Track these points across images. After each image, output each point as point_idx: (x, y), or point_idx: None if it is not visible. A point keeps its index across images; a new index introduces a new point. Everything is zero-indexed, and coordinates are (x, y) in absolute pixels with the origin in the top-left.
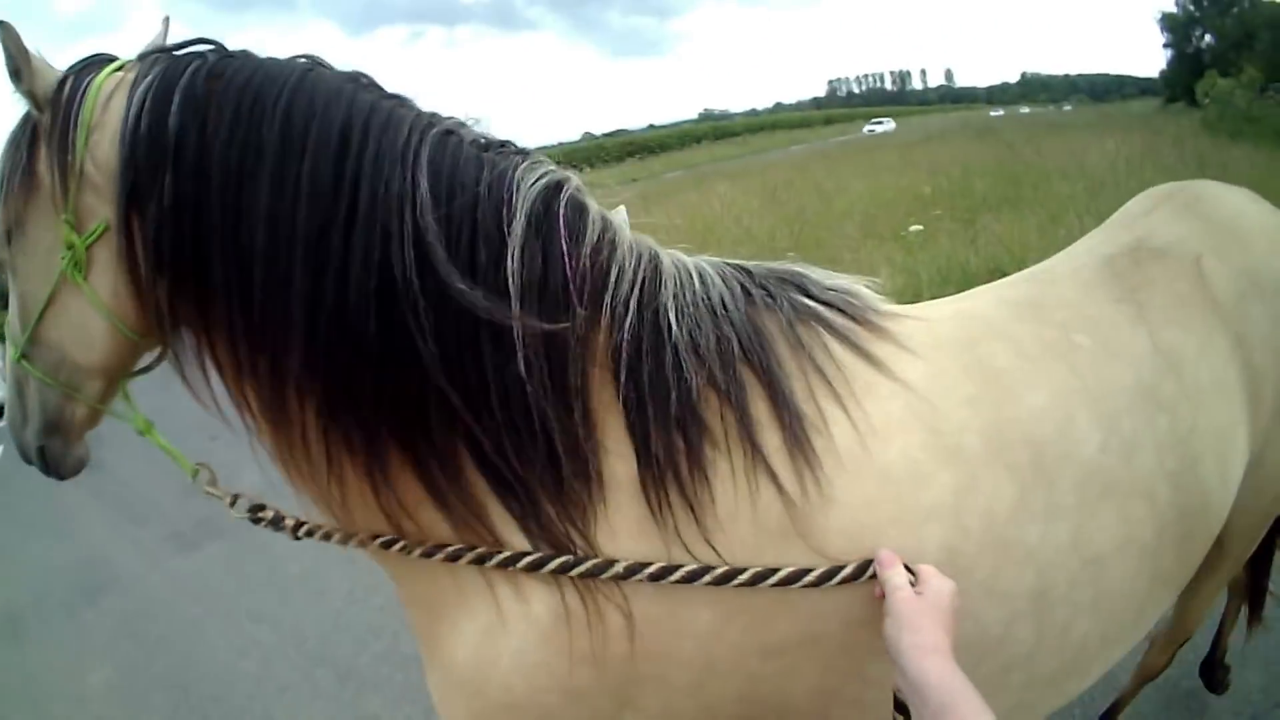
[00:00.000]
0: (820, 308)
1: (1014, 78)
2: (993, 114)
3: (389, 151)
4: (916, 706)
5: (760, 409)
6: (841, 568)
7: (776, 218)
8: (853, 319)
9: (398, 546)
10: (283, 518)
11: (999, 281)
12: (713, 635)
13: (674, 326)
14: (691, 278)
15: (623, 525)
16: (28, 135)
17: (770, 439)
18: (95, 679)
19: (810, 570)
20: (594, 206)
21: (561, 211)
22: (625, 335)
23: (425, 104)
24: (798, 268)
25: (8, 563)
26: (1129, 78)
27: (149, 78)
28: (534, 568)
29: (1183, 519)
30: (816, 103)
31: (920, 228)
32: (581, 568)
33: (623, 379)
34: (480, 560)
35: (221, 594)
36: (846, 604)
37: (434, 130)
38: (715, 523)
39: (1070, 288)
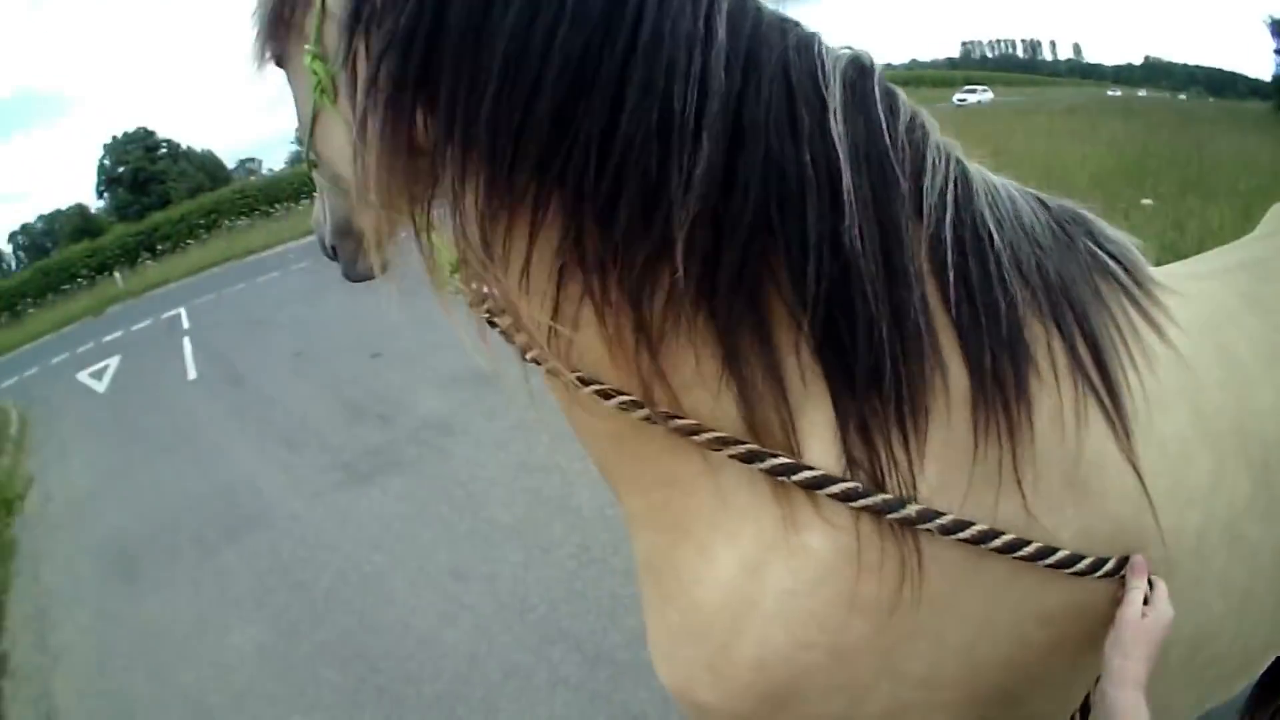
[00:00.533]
0: (1109, 261)
1: (1138, 60)
2: (1110, 94)
3: None
4: None
5: (1081, 348)
6: (1106, 560)
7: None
8: (1134, 279)
9: (694, 431)
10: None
11: (1200, 259)
12: (1000, 590)
13: (994, 236)
14: (999, 193)
15: (934, 449)
16: None
17: (1095, 383)
18: (238, 639)
19: (1084, 558)
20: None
21: (876, 84)
22: (947, 230)
23: None
24: (1083, 210)
25: (126, 486)
26: (1241, 76)
27: None
28: (848, 498)
29: None
30: (951, 63)
31: (1150, 202)
32: (903, 512)
33: (951, 278)
34: (783, 472)
35: (408, 542)
36: (1113, 581)
37: None
38: (1028, 463)
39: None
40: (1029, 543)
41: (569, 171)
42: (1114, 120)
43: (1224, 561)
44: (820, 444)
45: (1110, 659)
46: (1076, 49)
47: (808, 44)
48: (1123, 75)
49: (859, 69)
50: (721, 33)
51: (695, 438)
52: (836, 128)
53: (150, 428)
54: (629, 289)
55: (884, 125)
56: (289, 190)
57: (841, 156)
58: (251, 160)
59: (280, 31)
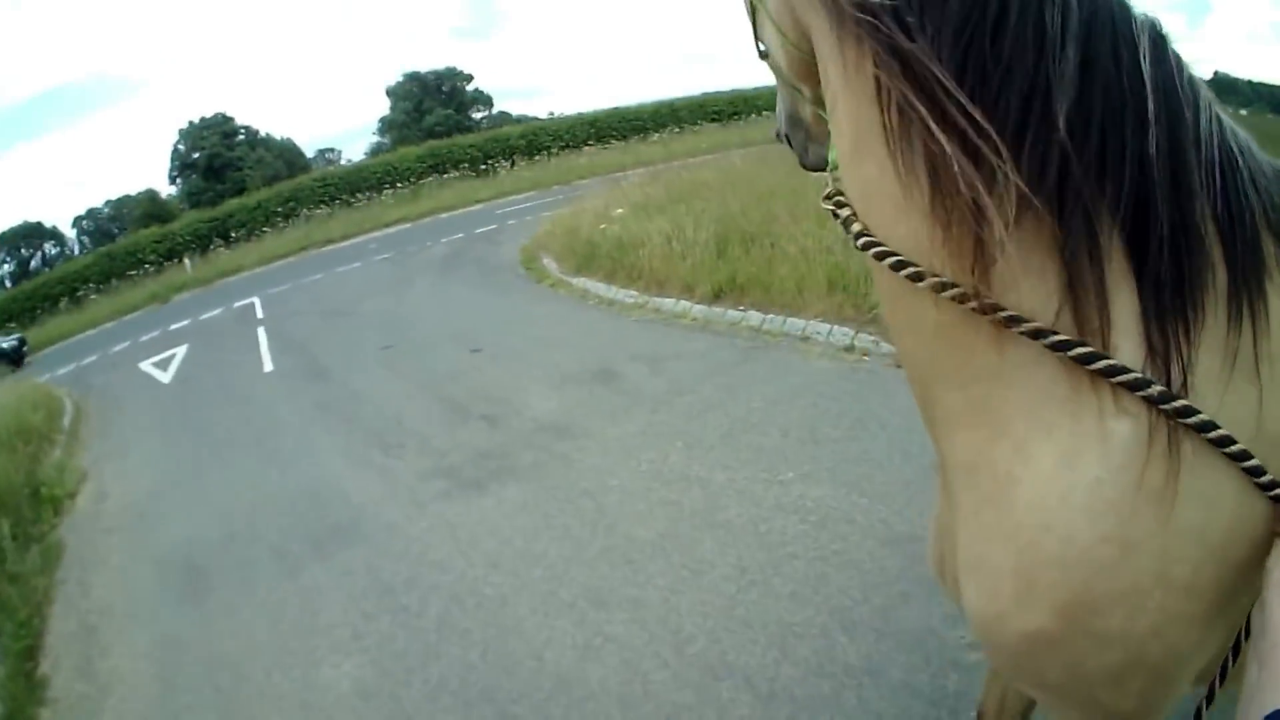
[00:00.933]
0: None
1: (1206, 76)
2: None
3: None
4: (1256, 636)
5: None
6: None
7: None
8: None
9: (1020, 321)
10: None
11: None
12: (1248, 485)
13: (1240, 162)
14: (1239, 133)
15: (1205, 340)
16: None
17: None
18: (331, 675)
19: None
20: None
21: (1169, 41)
22: (1216, 154)
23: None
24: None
25: (194, 487)
26: None
27: None
28: (1144, 385)
29: None
30: None
31: None
32: (1187, 403)
33: (1218, 189)
34: (1097, 360)
35: (533, 561)
36: None
37: None
38: (1263, 359)
39: None
40: (1253, 459)
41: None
42: None
43: None
44: (1126, 336)
45: (1273, 571)
46: None
47: (1125, 2)
48: None
49: (1157, 29)
50: None
51: (1021, 327)
52: (1145, 66)
53: (221, 422)
54: (981, 183)
55: (1174, 71)
56: (371, 180)
57: (1148, 89)
58: (331, 150)
59: None
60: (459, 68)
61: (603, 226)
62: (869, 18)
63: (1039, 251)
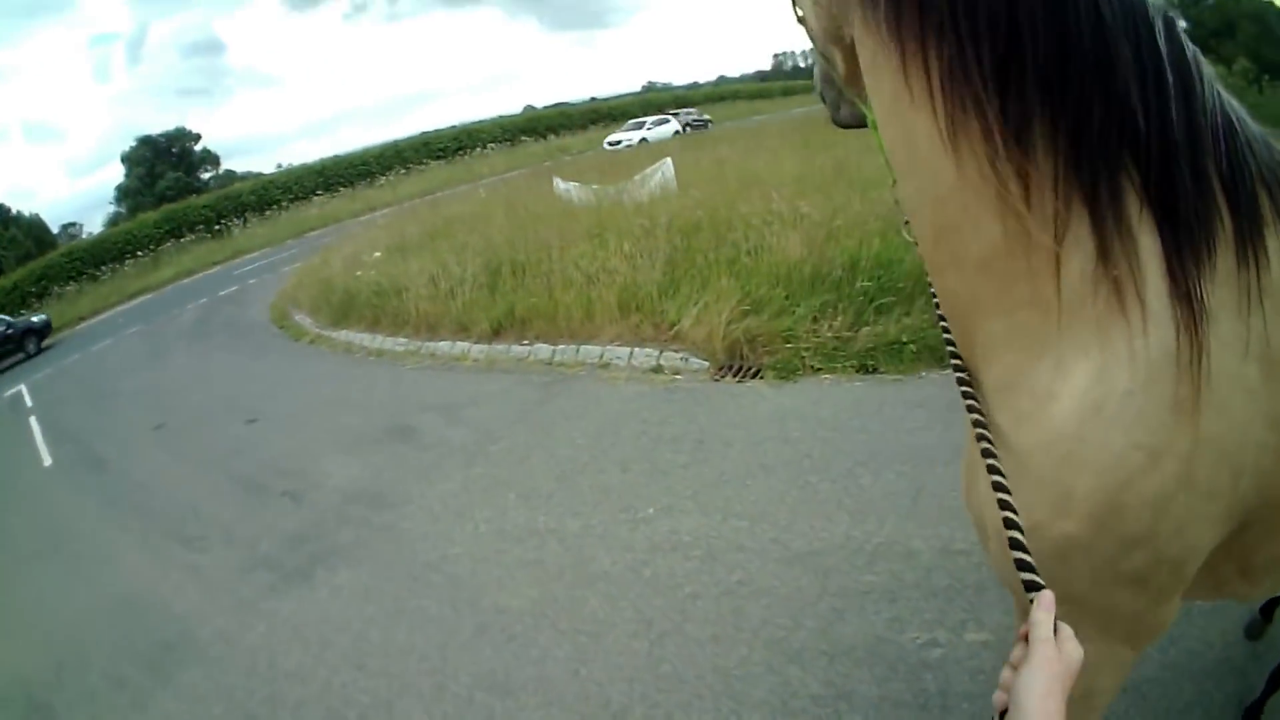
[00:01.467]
0: None
1: None
2: None
3: None
4: None
5: None
6: None
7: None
8: None
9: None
10: None
11: None
12: (1253, 395)
13: (1239, 128)
14: (1236, 105)
15: (1217, 274)
16: None
17: None
18: None
19: None
20: None
21: (1178, 26)
22: (1219, 119)
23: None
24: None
25: (10, 613)
26: None
27: None
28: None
29: None
30: (761, 76)
31: None
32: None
33: (1224, 149)
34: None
35: (401, 655)
36: None
37: None
38: (1266, 289)
39: None
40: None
41: (1008, 42)
42: None
43: None
44: (1151, 270)
45: (1030, 692)
46: None
47: None
48: None
49: (1168, 17)
50: None
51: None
52: (1162, 45)
53: (11, 530)
54: (1025, 142)
55: (1183, 50)
56: (114, 250)
57: (1166, 64)
58: (73, 225)
59: None
60: (188, 128)
61: (359, 273)
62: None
63: (1082, 200)
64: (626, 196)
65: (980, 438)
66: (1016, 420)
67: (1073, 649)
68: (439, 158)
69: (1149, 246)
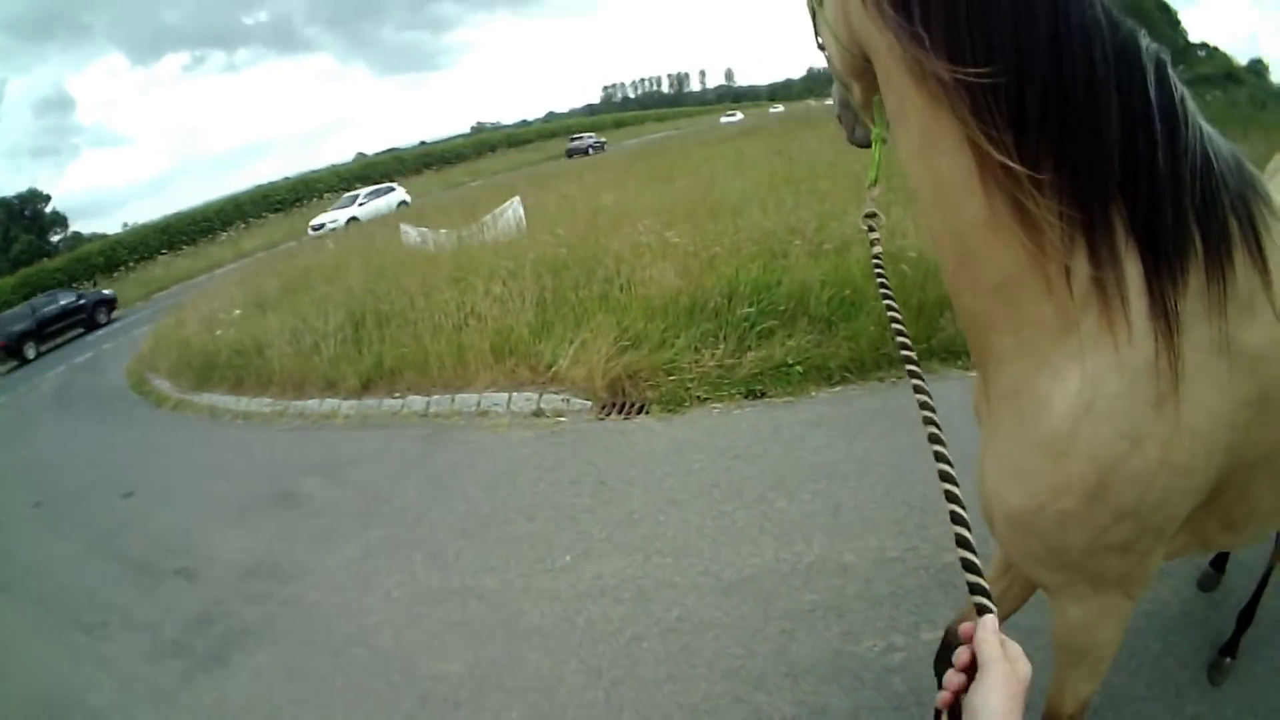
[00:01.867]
0: (1255, 181)
1: (799, 74)
2: (772, 110)
3: None
4: None
5: (1249, 232)
6: None
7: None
8: (1264, 194)
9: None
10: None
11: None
12: (1223, 384)
13: (1215, 163)
14: (1216, 139)
15: (1189, 289)
16: None
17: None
18: None
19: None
20: None
21: (1168, 69)
22: (1199, 159)
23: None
24: (1239, 151)
25: None
26: None
27: None
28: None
29: None
30: (590, 109)
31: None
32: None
33: (1198, 182)
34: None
35: None
36: None
37: None
38: (1230, 296)
39: None
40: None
41: (1019, 88)
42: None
43: None
44: (1136, 291)
45: (986, 707)
46: (729, 74)
47: (1134, 34)
48: (779, 92)
49: (1159, 59)
50: (1104, 21)
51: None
52: (1152, 91)
53: None
54: (1038, 183)
55: (1172, 93)
56: None
57: (1154, 108)
58: None
59: None
60: (39, 189)
61: (218, 333)
62: (909, 38)
63: (1079, 234)
64: (477, 238)
65: (939, 457)
66: (1020, 420)
67: (1024, 666)
68: (277, 210)
69: (1133, 271)
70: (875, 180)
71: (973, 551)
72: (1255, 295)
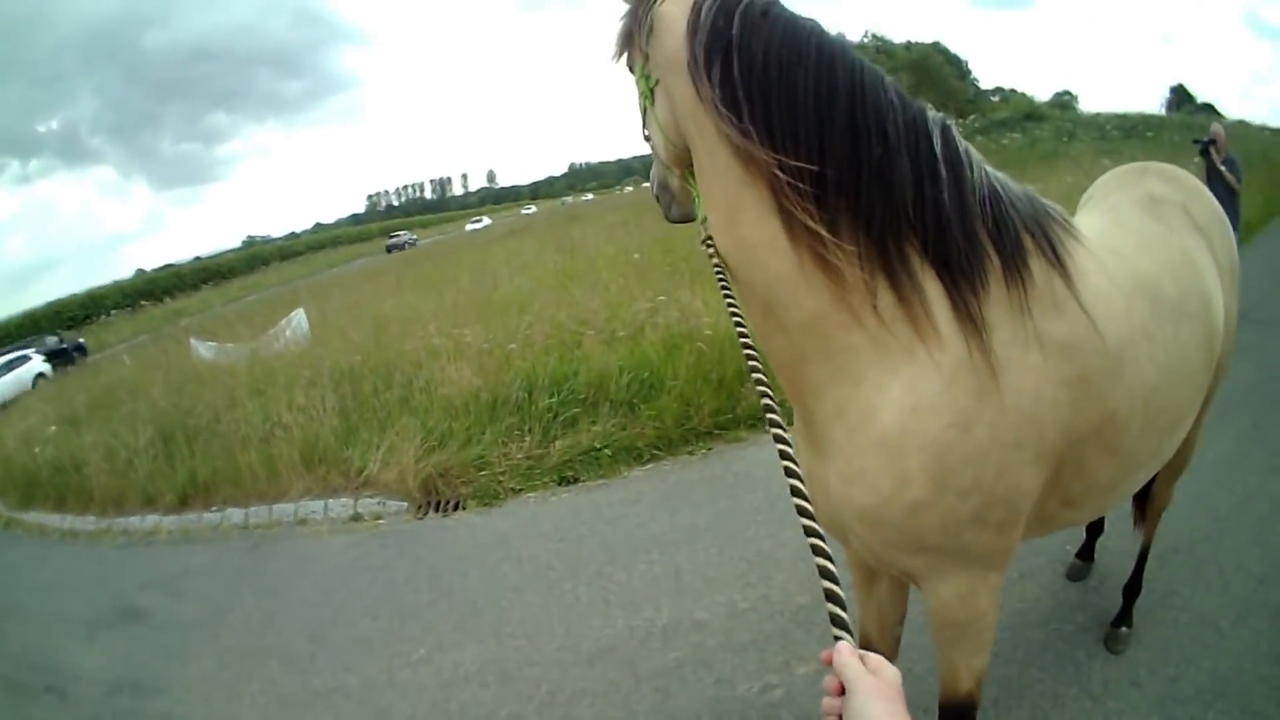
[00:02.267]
0: (1050, 208)
1: (561, 170)
2: (524, 210)
3: (875, 77)
4: None
5: (1045, 245)
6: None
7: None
8: (1064, 218)
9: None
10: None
11: (1082, 210)
12: (1038, 370)
13: (1003, 194)
14: (1002, 177)
15: (991, 298)
16: (634, 17)
17: (1053, 261)
18: None
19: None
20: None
21: (953, 130)
22: (986, 192)
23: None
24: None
25: None
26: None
27: (709, 3)
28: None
29: (1208, 341)
30: (356, 218)
31: None
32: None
33: (988, 212)
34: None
35: None
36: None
37: (877, 71)
38: (1033, 300)
39: (1130, 215)
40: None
41: (818, 167)
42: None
43: (1145, 353)
44: (939, 306)
45: (868, 709)
46: (491, 175)
47: (923, 109)
48: (541, 190)
49: (944, 123)
50: (897, 103)
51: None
52: (937, 148)
53: None
54: (838, 237)
55: (956, 146)
56: None
57: (940, 161)
58: None
59: (627, 47)
60: None
61: (37, 449)
62: (739, 133)
63: (880, 268)
64: (268, 350)
65: (795, 491)
66: (848, 434)
67: (888, 671)
68: (69, 327)
69: (934, 289)
70: (704, 219)
71: (835, 582)
72: (1059, 295)
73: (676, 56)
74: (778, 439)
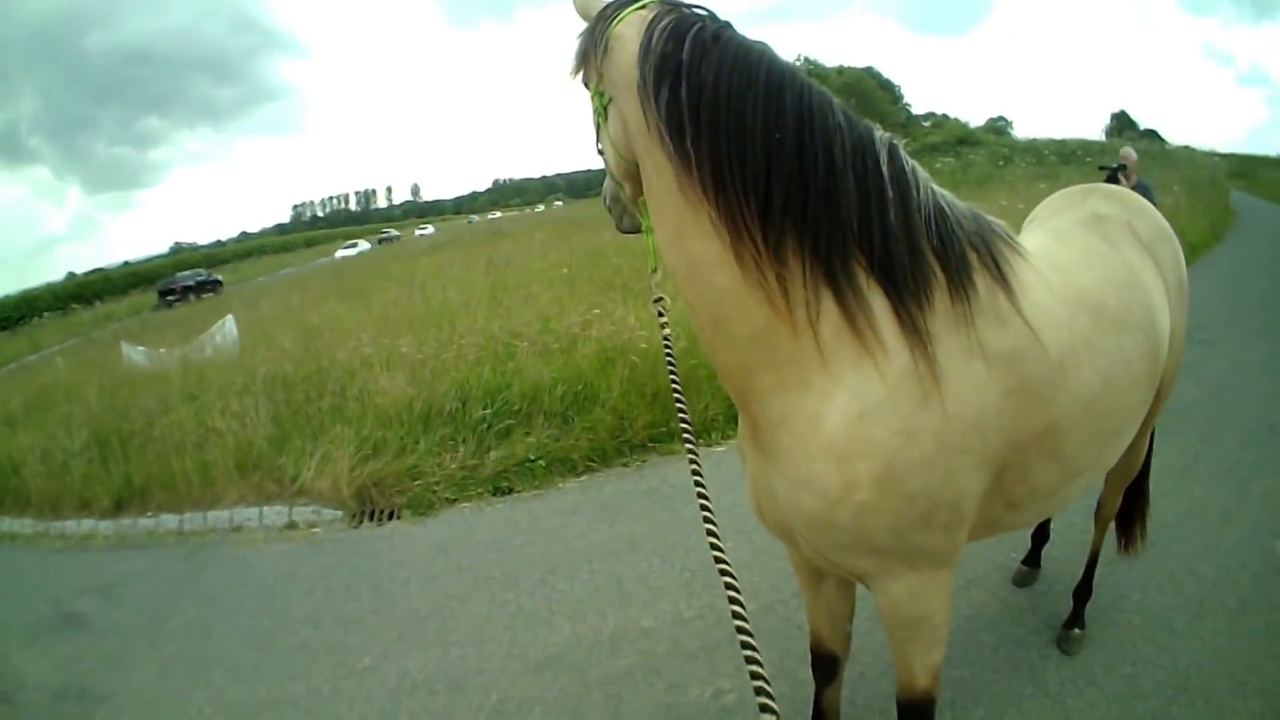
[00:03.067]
0: (994, 225)
1: (485, 185)
2: (419, 232)
3: (823, 100)
4: None
5: (989, 261)
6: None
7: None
8: (1008, 234)
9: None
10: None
11: (1026, 230)
12: (981, 379)
13: (949, 212)
14: (947, 196)
15: (935, 311)
16: (590, 36)
17: (997, 275)
18: None
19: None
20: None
21: (899, 150)
22: (931, 211)
23: None
24: (974, 210)
25: None
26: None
27: (664, 22)
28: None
29: (1152, 353)
30: (281, 229)
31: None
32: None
33: (934, 231)
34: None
35: None
36: (1040, 366)
37: (825, 94)
38: (977, 312)
39: (1074, 233)
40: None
41: (764, 188)
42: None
43: (1086, 363)
44: (885, 319)
45: None
46: (415, 189)
47: (870, 130)
48: (465, 205)
49: (891, 143)
50: (845, 125)
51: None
52: (884, 168)
53: None
54: (780, 255)
55: (903, 167)
56: None
57: (886, 181)
58: None
59: (584, 65)
60: None
61: None
62: (680, 156)
63: (825, 285)
64: (198, 356)
65: (704, 508)
66: (795, 440)
67: None
68: (3, 329)
69: (880, 303)
70: (655, 268)
71: (747, 625)
72: (1002, 308)
73: (629, 76)
74: (694, 471)
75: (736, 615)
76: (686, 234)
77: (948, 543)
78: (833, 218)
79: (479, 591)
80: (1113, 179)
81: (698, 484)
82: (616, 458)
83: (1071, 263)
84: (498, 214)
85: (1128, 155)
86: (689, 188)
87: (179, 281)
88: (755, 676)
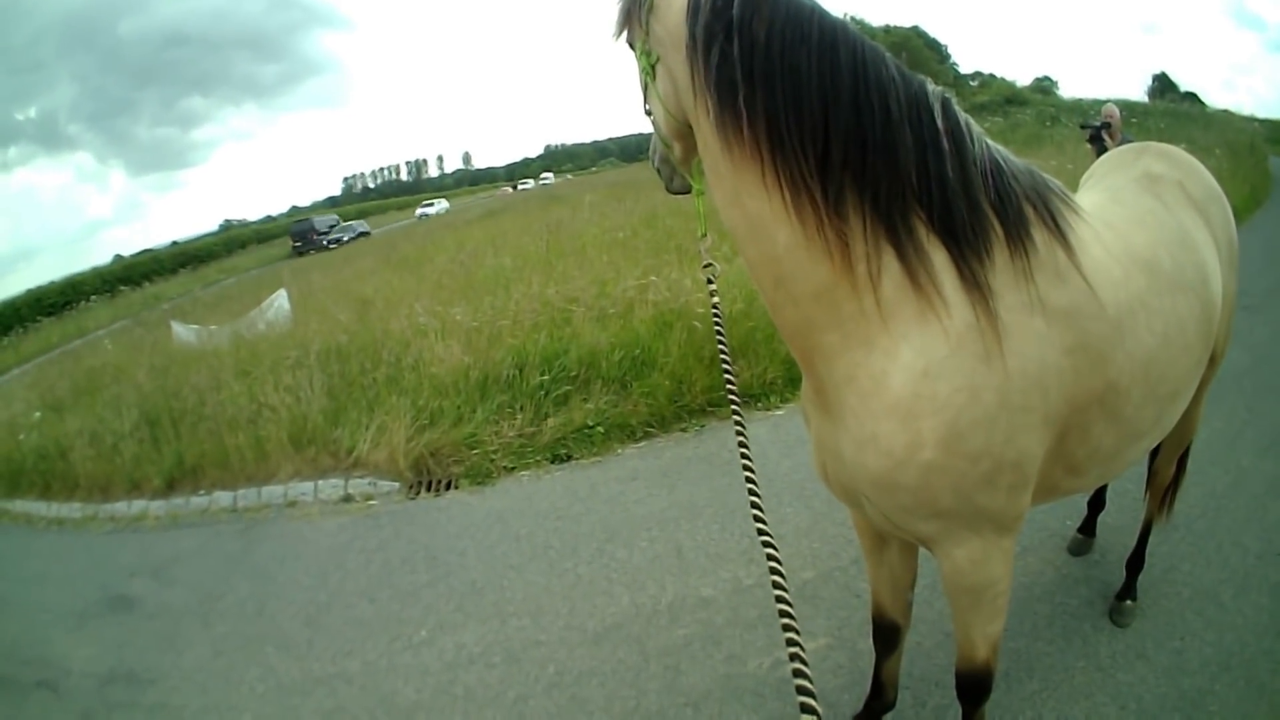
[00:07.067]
0: (1049, 181)
1: (536, 152)
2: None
3: (876, 54)
4: None
5: (1046, 216)
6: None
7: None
8: (1063, 191)
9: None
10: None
11: (1082, 190)
12: (1041, 336)
13: (1005, 166)
14: (1003, 150)
15: (995, 266)
16: None
17: (1054, 231)
18: None
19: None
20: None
21: (953, 103)
22: (988, 165)
23: None
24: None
25: None
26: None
27: None
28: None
29: (1206, 315)
30: (332, 201)
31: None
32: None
33: (990, 183)
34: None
35: None
36: (1105, 324)
37: (878, 49)
38: (1036, 269)
39: (1127, 192)
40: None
41: (828, 146)
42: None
43: (1143, 322)
44: (946, 275)
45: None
46: (466, 157)
47: (924, 84)
48: (517, 171)
49: (944, 98)
50: (899, 79)
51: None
52: (939, 121)
53: None
54: (841, 210)
55: (957, 119)
56: None
57: (941, 134)
58: None
59: (628, 25)
60: None
61: (21, 436)
62: (733, 115)
63: (889, 240)
64: (251, 332)
65: (749, 480)
66: (862, 398)
67: None
68: (50, 314)
69: (940, 258)
70: (704, 233)
71: (797, 629)
72: (1061, 264)
73: (677, 35)
74: (741, 445)
75: (780, 599)
76: (744, 192)
77: (1011, 506)
78: (891, 172)
79: (537, 561)
80: (1096, 137)
81: (744, 455)
82: (675, 423)
83: (1125, 221)
84: (550, 176)
85: (1111, 112)
86: (747, 145)
87: (316, 227)
88: (798, 675)
